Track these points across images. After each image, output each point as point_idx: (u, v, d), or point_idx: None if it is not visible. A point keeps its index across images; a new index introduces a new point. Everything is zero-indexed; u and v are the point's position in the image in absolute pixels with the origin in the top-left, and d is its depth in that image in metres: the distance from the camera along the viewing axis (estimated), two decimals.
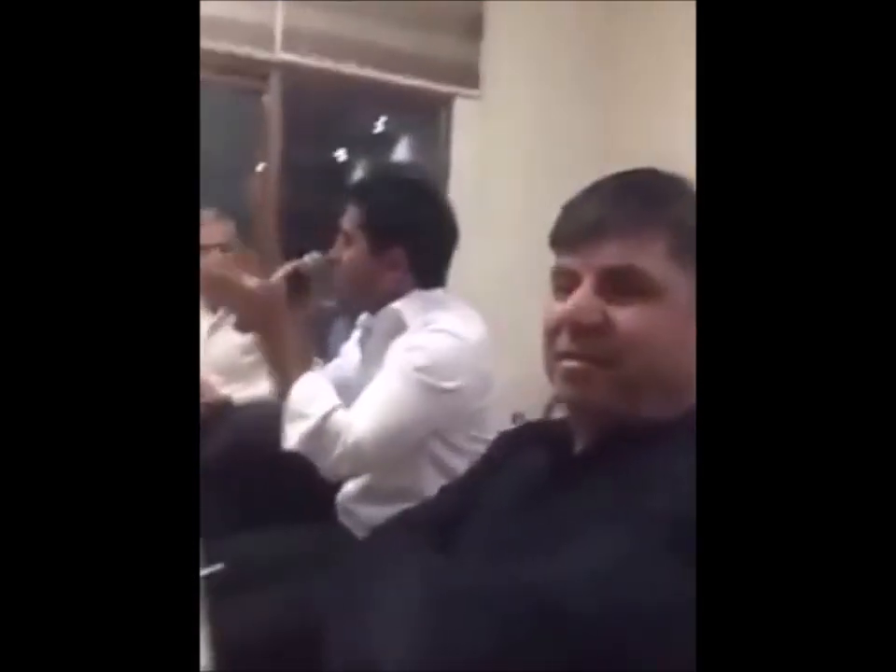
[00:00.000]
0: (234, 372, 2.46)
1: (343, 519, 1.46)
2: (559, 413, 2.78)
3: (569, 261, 0.74)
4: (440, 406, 1.25)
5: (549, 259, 2.88)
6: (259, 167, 3.43)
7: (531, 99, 3.45)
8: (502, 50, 3.39)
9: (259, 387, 2.43)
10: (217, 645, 0.81)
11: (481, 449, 1.28)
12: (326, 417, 1.19)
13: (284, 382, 1.24)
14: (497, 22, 3.38)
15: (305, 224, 4.33)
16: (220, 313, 2.50)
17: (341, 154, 5.15)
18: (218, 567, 0.96)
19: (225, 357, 2.48)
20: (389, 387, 1.23)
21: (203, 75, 2.66)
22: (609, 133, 3.40)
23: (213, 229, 2.43)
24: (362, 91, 3.44)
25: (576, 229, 0.74)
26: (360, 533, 1.39)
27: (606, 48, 3.43)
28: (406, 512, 0.91)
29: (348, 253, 1.39)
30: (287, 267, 1.37)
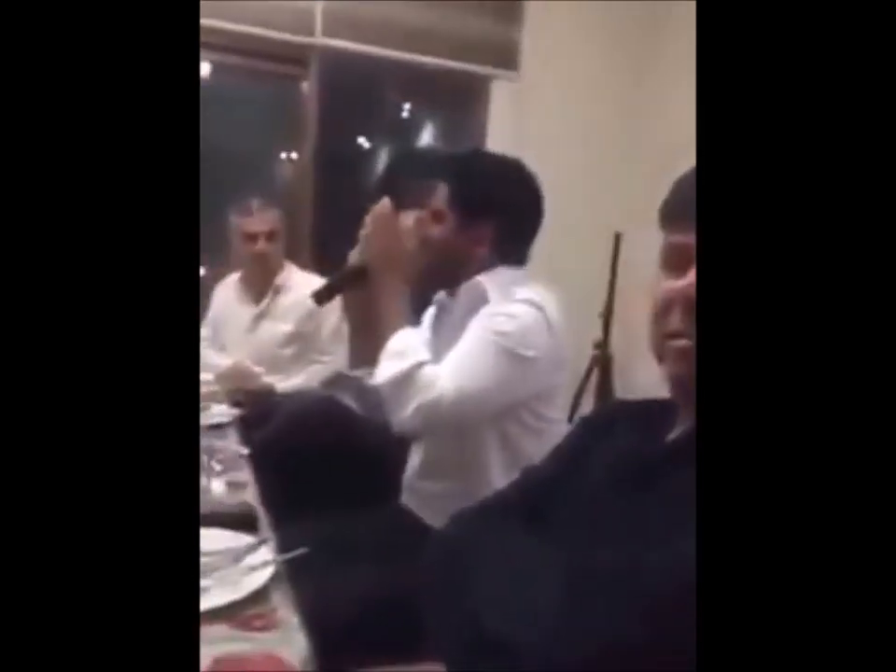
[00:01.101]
0: (275, 363, 2.48)
1: (405, 498, 1.47)
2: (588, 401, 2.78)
3: (683, 238, 0.72)
4: (518, 373, 1.25)
5: (590, 245, 2.87)
6: (286, 155, 3.45)
7: (572, 82, 3.41)
8: (543, 31, 3.34)
9: (297, 379, 2.47)
10: (311, 626, 0.82)
11: (547, 428, 1.31)
12: (418, 366, 1.22)
13: (388, 333, 1.28)
14: (538, 2, 3.34)
15: (340, 210, 4.35)
16: (265, 302, 2.52)
17: (372, 141, 5.13)
18: (301, 551, 0.96)
19: (267, 347, 2.50)
20: (473, 350, 1.24)
21: (243, 61, 2.69)
22: (654, 118, 3.36)
23: (260, 217, 2.45)
24: (400, 75, 3.43)
25: (690, 205, 0.73)
26: (422, 511, 1.41)
27: (651, 30, 3.39)
28: (496, 494, 0.91)
29: (437, 230, 1.39)
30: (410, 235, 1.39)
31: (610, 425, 0.86)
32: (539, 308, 1.28)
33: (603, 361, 3.32)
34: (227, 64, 3.14)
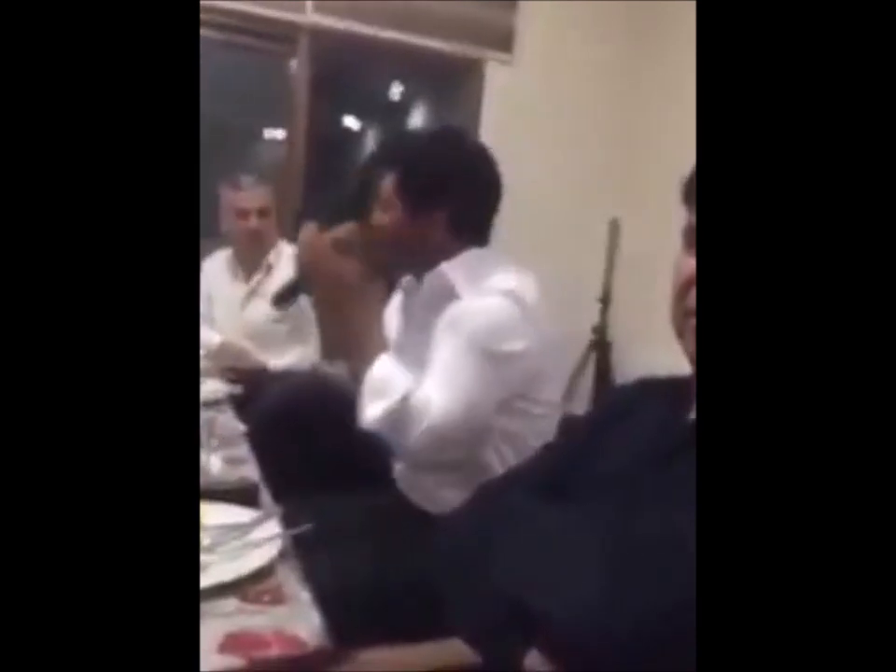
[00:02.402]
0: (268, 340, 2.46)
1: (399, 482, 1.44)
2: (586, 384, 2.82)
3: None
4: (507, 371, 1.22)
5: (586, 228, 2.87)
6: (275, 133, 3.42)
7: (567, 65, 3.38)
8: (537, 13, 3.32)
9: (291, 355, 2.44)
10: (324, 604, 0.81)
11: (539, 410, 1.29)
12: (405, 398, 1.17)
13: (361, 361, 1.23)
14: None
15: (330, 188, 4.33)
16: (255, 280, 2.49)
17: (363, 121, 5.10)
18: (307, 527, 0.95)
19: (259, 324, 2.47)
20: (452, 361, 1.20)
21: (233, 37, 2.66)
22: (651, 101, 3.35)
23: (253, 193, 2.41)
24: (392, 55, 3.40)
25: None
26: (416, 495, 1.38)
27: (648, 11, 3.35)
28: (519, 467, 0.90)
29: (387, 219, 1.34)
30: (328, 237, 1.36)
31: (633, 401, 0.86)
32: (511, 297, 1.23)
33: (601, 345, 3.41)
34: (216, 40, 3.09)
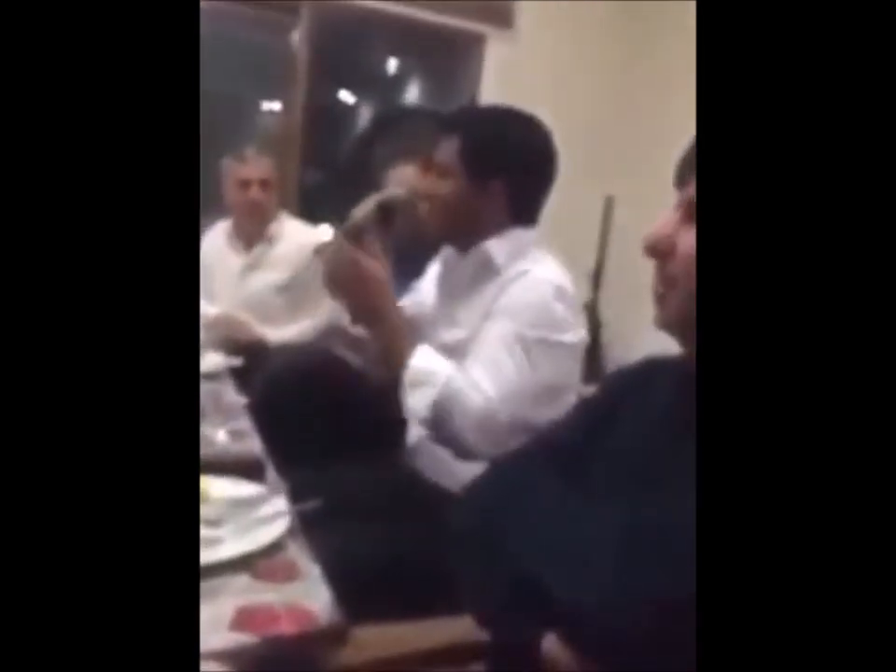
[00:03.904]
0: (267, 313, 2.43)
1: (409, 458, 1.44)
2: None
3: (679, 195, 0.73)
4: (567, 360, 1.24)
5: (583, 205, 2.86)
6: (273, 105, 3.38)
7: (567, 41, 3.36)
8: None
9: (291, 328, 2.42)
10: (334, 579, 0.81)
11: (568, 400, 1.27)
12: (449, 382, 1.16)
13: (399, 361, 1.21)
14: None
15: (328, 162, 4.29)
16: (257, 251, 2.46)
17: (362, 94, 5.05)
18: (315, 503, 0.94)
19: (259, 296, 2.45)
20: (506, 348, 1.20)
21: (233, 7, 2.62)
22: (650, 80, 3.32)
23: (254, 165, 2.39)
24: (393, 29, 3.36)
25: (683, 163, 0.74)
26: (427, 469, 1.37)
27: None
28: (527, 445, 0.90)
29: (445, 186, 1.31)
30: (371, 203, 1.32)
31: (643, 380, 0.85)
32: (560, 286, 1.24)
33: (592, 321, 3.42)
34: (216, 11, 3.05)
